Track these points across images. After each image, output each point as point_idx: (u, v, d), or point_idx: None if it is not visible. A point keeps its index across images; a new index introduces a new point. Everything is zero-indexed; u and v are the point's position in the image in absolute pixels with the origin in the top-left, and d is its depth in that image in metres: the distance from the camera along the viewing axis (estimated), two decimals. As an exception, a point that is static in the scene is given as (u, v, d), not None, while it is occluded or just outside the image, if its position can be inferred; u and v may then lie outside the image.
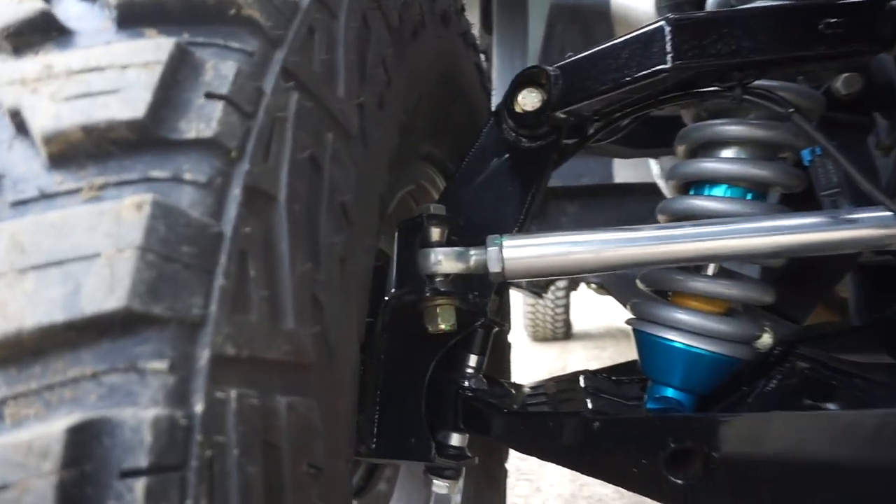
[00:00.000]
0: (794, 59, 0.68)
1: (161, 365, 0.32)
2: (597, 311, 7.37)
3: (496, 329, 0.93)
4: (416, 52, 0.66)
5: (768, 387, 0.79)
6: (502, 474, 1.33)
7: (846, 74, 0.89)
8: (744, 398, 0.80)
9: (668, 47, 0.69)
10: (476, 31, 2.04)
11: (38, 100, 0.36)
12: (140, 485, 0.29)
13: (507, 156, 0.91)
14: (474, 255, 0.73)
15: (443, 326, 0.73)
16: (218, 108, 0.38)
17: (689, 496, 0.69)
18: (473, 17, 1.96)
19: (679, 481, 0.69)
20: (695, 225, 0.69)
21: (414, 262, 0.73)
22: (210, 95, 0.38)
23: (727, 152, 0.80)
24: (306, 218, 0.41)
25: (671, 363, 0.79)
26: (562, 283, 5.37)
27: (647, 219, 1.81)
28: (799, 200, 0.83)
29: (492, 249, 0.71)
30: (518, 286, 1.81)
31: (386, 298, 0.74)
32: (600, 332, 6.28)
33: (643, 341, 0.82)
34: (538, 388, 0.93)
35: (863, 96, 0.88)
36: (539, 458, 0.83)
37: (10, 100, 0.37)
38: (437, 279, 0.73)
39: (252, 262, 0.36)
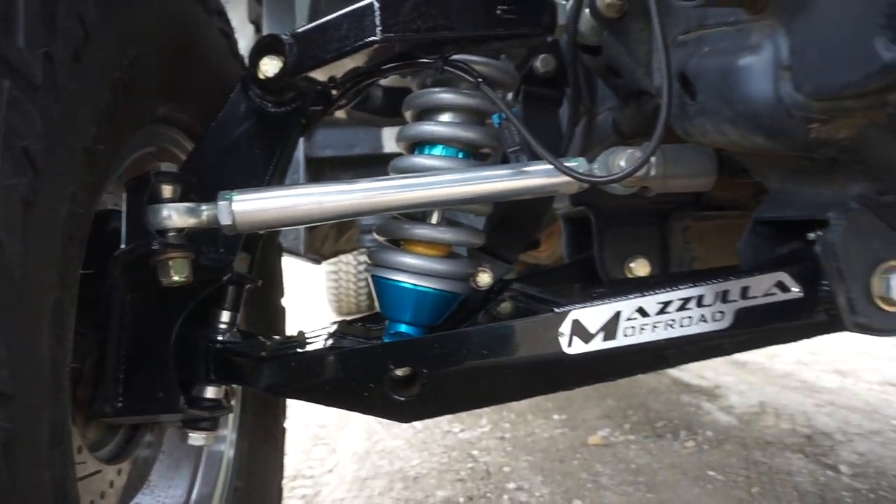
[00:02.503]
0: (480, 37, 0.81)
1: None
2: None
3: (249, 285, 0.99)
4: (131, 12, 0.67)
5: (480, 318, 0.94)
6: (280, 432, 1.39)
7: (543, 55, 1.07)
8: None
9: (378, 21, 0.79)
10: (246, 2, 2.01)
11: None
12: None
13: (253, 120, 0.95)
14: (206, 209, 0.77)
15: (176, 278, 0.76)
16: None
17: (409, 410, 0.81)
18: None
19: (401, 398, 0.81)
20: (401, 178, 0.80)
21: (143, 217, 0.75)
22: None
23: (443, 117, 0.92)
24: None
25: (402, 302, 0.90)
26: (364, 257, 5.50)
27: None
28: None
29: (222, 204, 0.76)
30: (296, 253, 1.85)
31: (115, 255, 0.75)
32: (404, 303, 6.51)
33: (378, 285, 0.92)
34: (291, 337, 1.00)
35: (556, 74, 1.06)
36: (289, 397, 0.90)
37: None
38: (169, 233, 0.75)
39: None
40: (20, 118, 0.47)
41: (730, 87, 0.61)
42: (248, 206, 0.77)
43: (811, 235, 0.66)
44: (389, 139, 1.85)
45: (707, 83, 0.66)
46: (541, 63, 1.06)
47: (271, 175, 0.94)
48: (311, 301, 6.14)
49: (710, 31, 0.68)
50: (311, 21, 1.84)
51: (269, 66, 0.88)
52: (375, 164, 1.82)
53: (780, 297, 0.65)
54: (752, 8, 0.58)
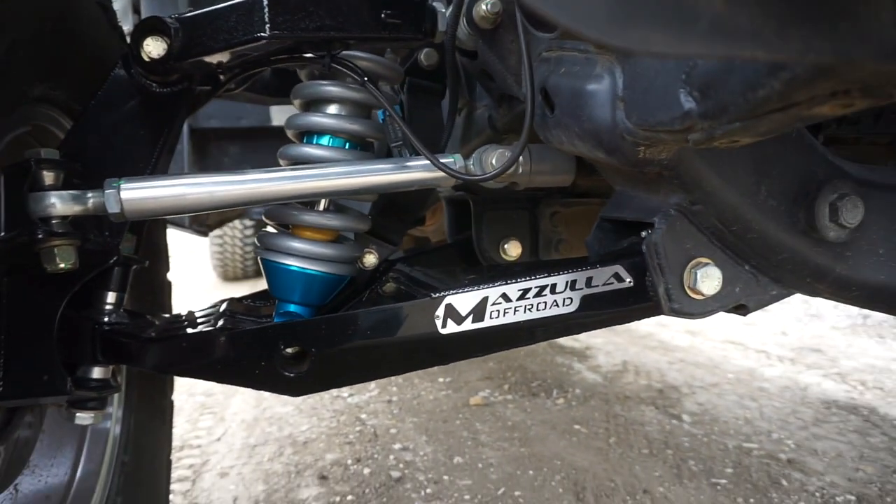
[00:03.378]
0: (365, 38, 0.87)
1: None
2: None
3: (135, 266, 1.00)
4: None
5: (366, 297, 1.01)
6: (168, 405, 1.40)
7: (426, 49, 1.13)
8: (353, 307, 1.02)
9: (266, 18, 0.82)
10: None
11: None
12: None
13: (137, 100, 0.94)
14: (92, 197, 0.78)
15: (62, 265, 0.77)
16: None
17: (298, 385, 0.87)
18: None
19: (291, 375, 0.87)
20: (291, 169, 0.85)
21: (25, 205, 0.75)
22: None
23: (330, 108, 0.97)
24: None
25: (290, 284, 0.95)
26: (250, 222, 5.37)
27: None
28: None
29: (109, 192, 0.77)
30: (180, 226, 1.82)
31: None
32: (294, 267, 6.43)
33: (267, 268, 0.97)
34: (180, 316, 1.02)
35: (438, 67, 1.13)
36: (179, 375, 0.93)
37: None
38: (53, 221, 0.76)
39: None
40: None
41: (579, 107, 0.71)
42: (137, 194, 0.78)
43: (644, 234, 0.79)
44: (278, 113, 1.84)
45: (562, 101, 0.75)
46: (424, 57, 1.13)
47: (157, 156, 0.95)
48: (196, 267, 5.93)
49: (566, 53, 0.78)
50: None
51: (154, 48, 0.88)
52: (263, 138, 1.82)
53: (617, 285, 0.78)
54: (598, 44, 0.68)
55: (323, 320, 0.86)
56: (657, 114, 0.60)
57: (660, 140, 0.63)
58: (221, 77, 1.00)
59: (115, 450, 1.18)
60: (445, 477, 1.77)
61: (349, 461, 1.91)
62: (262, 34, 0.82)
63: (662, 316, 0.80)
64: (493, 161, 0.91)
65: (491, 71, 0.93)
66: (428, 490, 1.70)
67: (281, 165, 1.02)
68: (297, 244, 0.94)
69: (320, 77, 0.99)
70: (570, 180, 0.99)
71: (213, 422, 2.39)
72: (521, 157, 0.93)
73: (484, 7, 0.86)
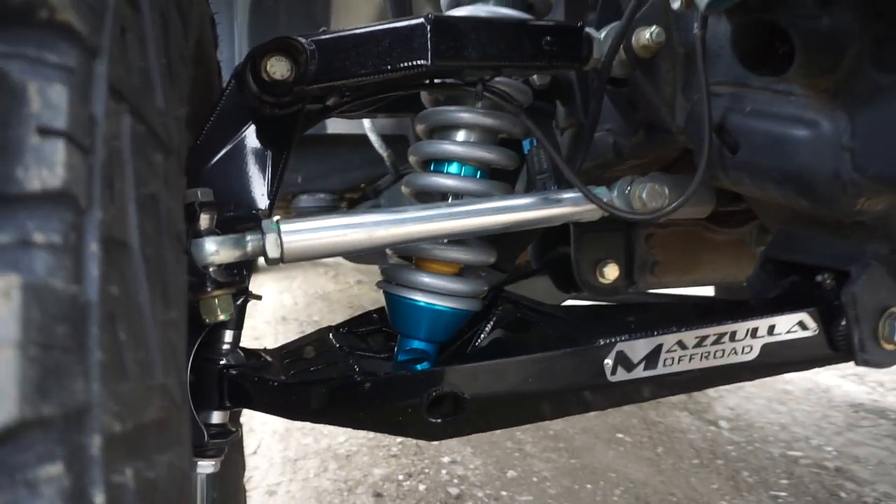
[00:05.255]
0: (524, 66, 0.82)
1: (54, 469, 0.29)
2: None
3: (249, 301, 0.93)
4: (188, 29, 0.60)
5: (489, 328, 0.97)
6: (240, 434, 1.34)
7: (538, 68, 1.08)
8: (471, 339, 0.97)
9: (429, 45, 0.76)
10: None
11: None
12: None
13: (252, 124, 0.88)
14: (251, 241, 0.72)
15: (223, 317, 0.71)
16: (59, 147, 0.32)
17: (445, 430, 0.83)
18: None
19: (438, 420, 0.82)
20: (446, 206, 0.81)
21: (189, 253, 0.68)
22: (45, 132, 0.32)
23: (459, 135, 0.92)
24: (157, 260, 0.38)
25: (417, 319, 0.91)
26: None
27: (358, 167, 1.90)
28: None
29: (270, 235, 0.71)
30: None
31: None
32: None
33: (393, 302, 0.92)
34: (294, 353, 0.97)
35: (550, 87, 1.09)
36: (312, 422, 0.88)
37: None
38: (213, 269, 0.70)
39: (121, 325, 0.34)
40: (172, 199, 0.42)
41: (783, 153, 0.68)
42: (298, 237, 0.73)
43: (819, 278, 0.77)
44: (333, 121, 1.77)
45: (753, 143, 0.72)
46: (537, 76, 1.08)
47: (277, 183, 0.90)
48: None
49: (750, 90, 0.74)
50: (255, 4, 1.72)
51: (279, 69, 0.82)
52: (318, 145, 1.75)
53: (800, 334, 0.75)
54: (814, 88, 0.65)
55: (481, 367, 0.81)
56: (912, 171, 0.57)
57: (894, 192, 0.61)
58: (342, 97, 0.94)
59: (206, 488, 1.12)
60: (503, 493, 1.75)
61: (400, 476, 1.87)
62: (424, 62, 0.77)
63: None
64: (644, 196, 0.88)
65: (641, 100, 0.89)
66: (490, 508, 1.67)
67: (406, 195, 0.97)
68: (427, 279, 0.89)
69: (445, 102, 0.94)
70: (709, 211, 0.96)
71: (243, 433, 2.32)
72: (666, 190, 0.89)
73: (647, 36, 0.82)
